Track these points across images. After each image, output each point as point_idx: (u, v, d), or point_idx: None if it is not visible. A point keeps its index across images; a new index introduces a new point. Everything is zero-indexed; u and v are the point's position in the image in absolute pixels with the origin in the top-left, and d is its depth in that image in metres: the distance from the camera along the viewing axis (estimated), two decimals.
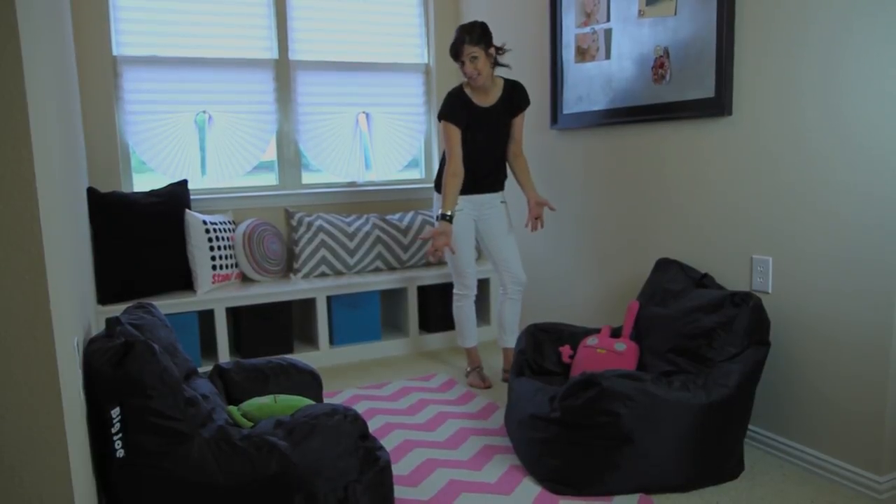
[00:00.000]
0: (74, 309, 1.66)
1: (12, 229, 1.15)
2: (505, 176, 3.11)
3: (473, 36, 2.79)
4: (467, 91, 2.96)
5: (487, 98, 2.97)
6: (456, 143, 2.90)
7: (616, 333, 2.62)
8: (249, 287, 3.42)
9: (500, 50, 2.93)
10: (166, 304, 3.18)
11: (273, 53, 3.73)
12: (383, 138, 4.04)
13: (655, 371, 2.32)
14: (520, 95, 3.02)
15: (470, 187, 3.03)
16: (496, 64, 2.93)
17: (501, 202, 3.09)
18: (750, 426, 2.45)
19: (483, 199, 3.07)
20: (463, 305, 3.14)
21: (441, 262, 3.93)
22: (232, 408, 2.04)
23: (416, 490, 2.16)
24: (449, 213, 2.84)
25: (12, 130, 1.13)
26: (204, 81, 3.58)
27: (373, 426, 2.69)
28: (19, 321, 1.17)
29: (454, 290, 3.15)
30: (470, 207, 3.05)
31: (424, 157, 4.24)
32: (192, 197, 3.54)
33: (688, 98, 2.55)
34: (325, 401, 2.96)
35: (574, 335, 2.66)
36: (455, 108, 2.91)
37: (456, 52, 2.83)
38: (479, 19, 3.84)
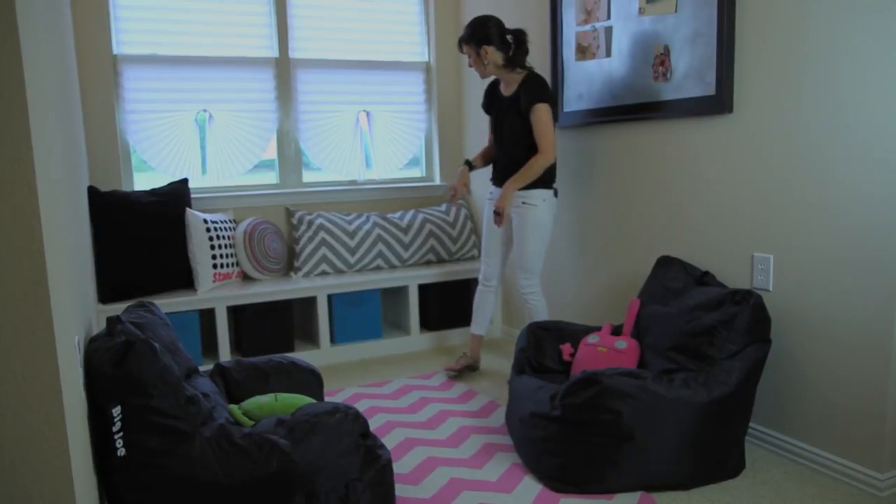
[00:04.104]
0: (75, 308, 1.66)
1: (12, 228, 1.15)
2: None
3: (464, 33, 2.92)
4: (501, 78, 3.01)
5: (508, 89, 2.96)
6: (489, 127, 3.11)
7: (617, 331, 2.62)
8: (250, 286, 3.42)
9: (509, 45, 2.89)
10: (167, 303, 3.18)
11: (273, 52, 3.72)
12: (384, 137, 4.04)
13: (656, 369, 2.31)
14: (527, 93, 2.83)
15: (493, 178, 3.12)
16: (516, 57, 2.89)
17: (522, 203, 2.89)
18: (751, 424, 2.45)
19: (498, 191, 3.06)
20: (478, 292, 3.22)
21: (441, 260, 3.93)
22: (233, 406, 2.04)
23: (418, 488, 2.16)
24: (468, 158, 3.13)
25: (12, 130, 1.13)
26: (204, 80, 3.58)
27: (374, 424, 2.69)
28: (20, 320, 1.17)
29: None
30: (497, 199, 3.01)
31: (425, 156, 4.24)
32: (192, 196, 3.54)
33: (688, 96, 2.55)
34: (326, 399, 2.96)
35: (575, 333, 2.66)
36: (485, 94, 3.11)
37: (459, 48, 2.99)
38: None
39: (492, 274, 3.15)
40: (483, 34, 2.86)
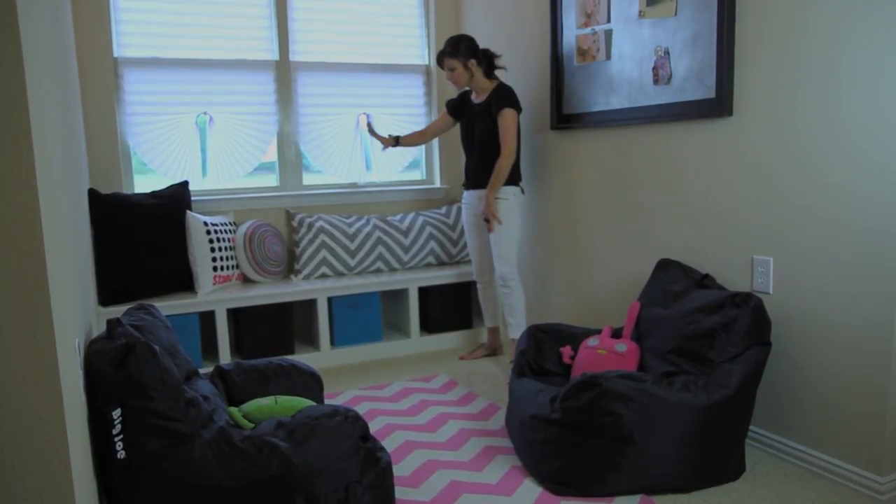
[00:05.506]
0: (75, 310, 1.66)
1: (12, 229, 1.15)
2: (488, 177, 3.26)
3: (448, 49, 3.21)
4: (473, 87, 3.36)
5: (479, 97, 3.30)
6: (437, 120, 3.55)
7: (617, 334, 2.62)
8: (250, 288, 3.42)
9: (483, 60, 3.23)
10: (167, 306, 3.18)
11: (274, 55, 3.73)
12: None
13: (656, 372, 2.31)
14: (497, 99, 3.17)
15: (465, 181, 3.44)
16: (488, 70, 3.26)
17: (495, 199, 3.22)
18: (751, 427, 2.45)
19: (472, 195, 3.40)
20: (478, 290, 3.59)
21: (441, 262, 3.93)
22: (233, 409, 2.04)
23: (417, 491, 2.16)
24: (396, 134, 3.57)
25: (12, 130, 1.13)
26: (205, 83, 3.58)
27: (374, 427, 2.69)
28: (20, 322, 1.17)
29: None
30: (473, 202, 3.41)
31: (425, 158, 4.24)
32: (192, 198, 3.54)
33: (688, 99, 2.55)
34: (326, 402, 2.95)
35: (575, 336, 2.66)
36: (456, 100, 3.45)
37: (439, 62, 3.27)
38: (480, 20, 3.89)
39: (481, 271, 3.53)
40: (468, 50, 3.20)
